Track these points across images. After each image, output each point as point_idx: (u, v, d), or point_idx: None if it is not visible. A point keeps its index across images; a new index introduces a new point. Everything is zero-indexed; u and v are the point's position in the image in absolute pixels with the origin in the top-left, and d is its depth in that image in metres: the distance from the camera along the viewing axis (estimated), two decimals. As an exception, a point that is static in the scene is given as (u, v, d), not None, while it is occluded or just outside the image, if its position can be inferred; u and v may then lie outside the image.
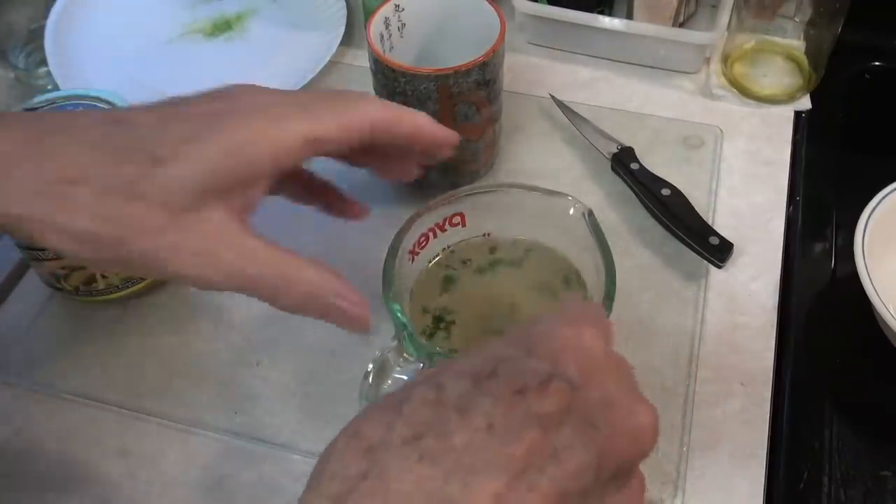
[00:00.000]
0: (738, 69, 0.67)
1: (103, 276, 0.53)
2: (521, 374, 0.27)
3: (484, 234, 0.48)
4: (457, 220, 0.47)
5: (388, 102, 0.40)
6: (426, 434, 0.26)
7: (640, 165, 0.59)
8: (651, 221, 0.57)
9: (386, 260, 0.43)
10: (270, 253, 0.36)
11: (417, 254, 0.46)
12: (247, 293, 0.36)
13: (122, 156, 0.34)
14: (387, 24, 0.56)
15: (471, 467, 0.25)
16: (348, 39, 0.70)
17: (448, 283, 0.47)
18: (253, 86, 0.38)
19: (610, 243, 0.44)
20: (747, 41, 0.67)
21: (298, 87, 0.65)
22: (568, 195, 0.45)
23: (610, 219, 0.58)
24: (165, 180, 0.34)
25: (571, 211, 0.45)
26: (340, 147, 0.37)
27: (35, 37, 0.70)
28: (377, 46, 0.54)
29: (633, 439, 0.27)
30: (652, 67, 0.69)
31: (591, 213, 0.45)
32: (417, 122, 0.40)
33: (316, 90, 0.39)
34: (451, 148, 0.42)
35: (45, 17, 0.69)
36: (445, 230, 0.47)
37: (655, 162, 0.60)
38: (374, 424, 0.27)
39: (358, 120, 0.38)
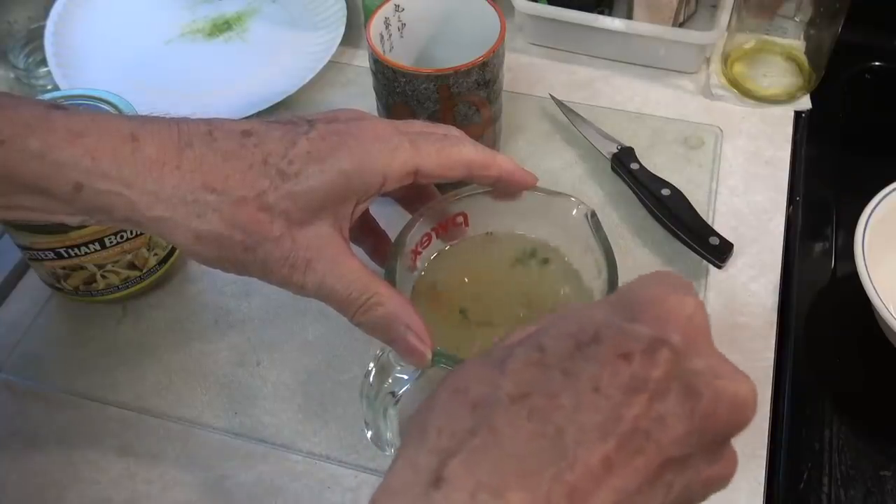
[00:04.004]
0: (738, 69, 0.67)
1: (103, 276, 0.53)
2: (626, 338, 0.27)
3: (486, 234, 0.48)
4: (459, 219, 0.47)
5: (479, 145, 0.42)
6: (533, 393, 0.26)
7: (640, 165, 0.59)
8: (651, 221, 0.57)
9: (389, 259, 0.43)
10: (360, 275, 0.39)
11: (420, 253, 0.46)
12: (330, 305, 0.39)
13: (256, 169, 0.37)
14: (387, 24, 0.56)
15: (581, 428, 0.25)
16: (348, 39, 0.70)
17: (450, 281, 0.47)
18: (364, 112, 0.41)
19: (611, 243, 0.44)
20: (747, 41, 0.67)
21: (298, 87, 0.66)
22: (571, 196, 0.45)
23: (610, 219, 0.58)
24: (291, 194, 0.37)
25: (574, 211, 0.45)
26: (433, 180, 0.41)
27: (35, 37, 0.70)
28: (377, 46, 0.54)
29: (735, 409, 0.28)
30: (652, 67, 0.69)
31: (593, 214, 0.45)
32: (506, 168, 0.43)
33: (408, 123, 0.42)
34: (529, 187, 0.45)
35: (45, 17, 0.69)
36: (448, 230, 0.47)
37: (655, 162, 0.60)
38: (478, 381, 0.27)
39: (457, 160, 0.41)
